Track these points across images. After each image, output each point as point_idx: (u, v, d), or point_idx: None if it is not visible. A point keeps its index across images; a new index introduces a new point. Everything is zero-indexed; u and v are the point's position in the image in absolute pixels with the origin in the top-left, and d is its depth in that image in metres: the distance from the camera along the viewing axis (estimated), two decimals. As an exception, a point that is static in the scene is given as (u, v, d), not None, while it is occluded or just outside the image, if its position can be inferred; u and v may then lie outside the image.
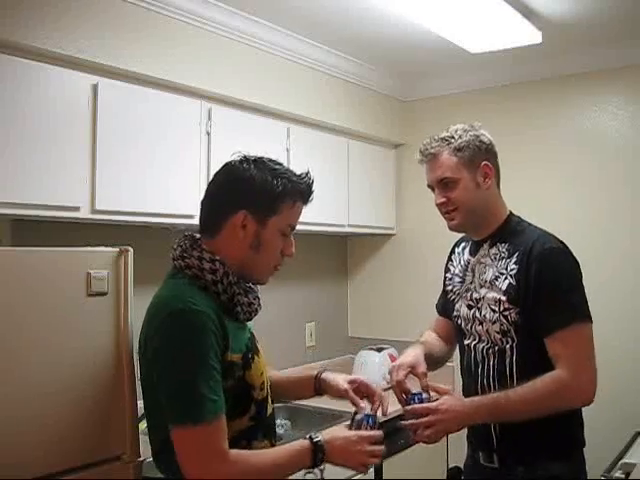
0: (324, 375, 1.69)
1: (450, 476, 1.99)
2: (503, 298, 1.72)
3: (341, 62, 3.31)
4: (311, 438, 1.43)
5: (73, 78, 2.16)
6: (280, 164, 1.51)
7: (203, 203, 1.51)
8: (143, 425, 2.43)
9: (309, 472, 1.48)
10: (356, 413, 1.58)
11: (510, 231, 1.80)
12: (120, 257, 1.87)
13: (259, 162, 1.48)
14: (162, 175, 2.42)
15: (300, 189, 1.48)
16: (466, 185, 1.78)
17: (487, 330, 1.77)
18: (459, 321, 1.89)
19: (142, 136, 2.35)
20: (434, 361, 1.92)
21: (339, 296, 3.96)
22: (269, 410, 1.53)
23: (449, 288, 1.96)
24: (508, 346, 1.72)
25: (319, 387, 1.69)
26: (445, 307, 2.01)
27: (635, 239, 3.11)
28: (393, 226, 3.85)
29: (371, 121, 3.59)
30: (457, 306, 1.90)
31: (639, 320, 3.09)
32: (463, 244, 1.96)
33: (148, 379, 1.42)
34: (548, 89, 3.34)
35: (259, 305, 1.54)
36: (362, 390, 1.65)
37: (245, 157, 1.49)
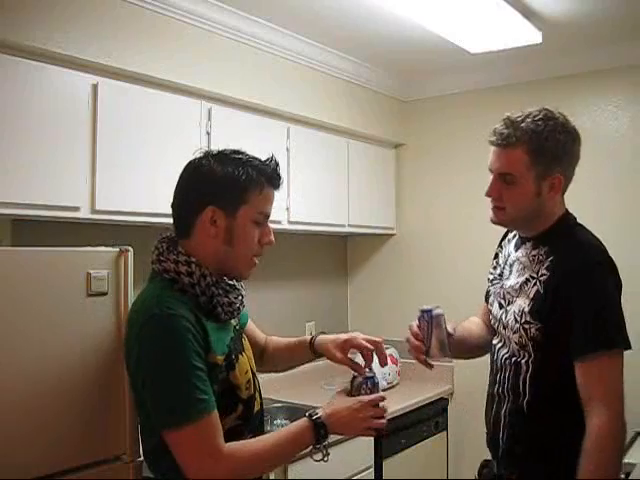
0: (317, 342, 1.69)
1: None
2: (527, 309, 1.60)
3: (341, 62, 3.31)
4: (310, 416, 1.42)
5: (73, 78, 2.16)
6: (242, 153, 1.47)
7: (172, 206, 1.50)
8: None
9: (316, 449, 1.45)
10: (354, 377, 1.56)
11: (556, 234, 1.64)
12: (120, 257, 1.87)
13: (220, 155, 1.45)
14: (162, 175, 2.42)
15: (266, 174, 1.45)
16: (526, 190, 1.60)
17: (508, 337, 1.67)
18: (491, 316, 1.79)
19: (142, 136, 2.35)
20: (472, 346, 1.85)
21: (339, 296, 3.96)
22: (256, 407, 1.52)
23: (489, 277, 1.83)
24: (524, 361, 1.62)
25: (316, 352, 1.71)
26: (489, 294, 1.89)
27: (635, 239, 3.11)
28: (393, 226, 3.85)
29: (371, 121, 3.59)
30: (491, 299, 1.78)
31: (636, 321, 3.08)
32: (514, 233, 1.79)
33: (134, 384, 1.43)
34: (548, 89, 3.34)
35: (242, 304, 1.52)
36: (357, 350, 1.64)
37: (206, 152, 1.47)
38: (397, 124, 3.81)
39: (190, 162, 1.48)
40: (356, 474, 2.80)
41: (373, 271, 3.94)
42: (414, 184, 3.82)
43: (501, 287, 1.73)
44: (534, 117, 1.60)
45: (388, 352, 3.51)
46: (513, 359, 1.65)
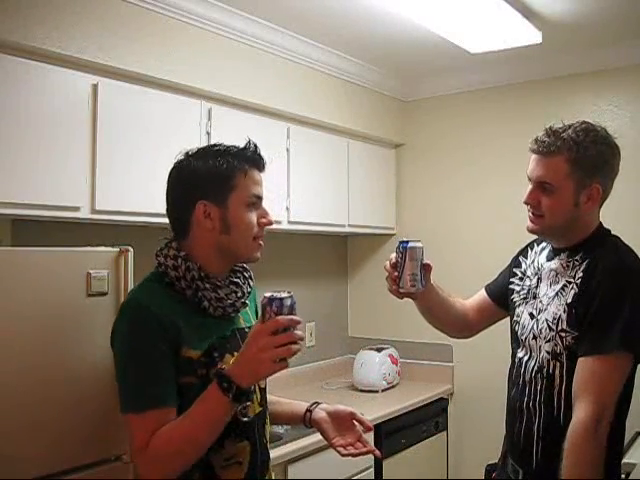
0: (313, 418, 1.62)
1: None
2: (564, 316, 1.60)
3: (341, 62, 3.31)
4: (217, 371, 1.34)
5: (73, 78, 2.16)
6: (220, 144, 1.49)
7: (166, 211, 1.52)
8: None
9: (243, 412, 1.35)
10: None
11: (591, 243, 1.65)
12: (120, 257, 1.88)
13: (198, 152, 1.49)
14: (162, 175, 2.40)
15: (246, 158, 1.47)
16: (564, 199, 1.61)
17: (539, 347, 1.65)
18: (517, 327, 1.76)
19: (142, 136, 2.35)
20: (446, 314, 1.88)
21: (339, 296, 3.96)
22: (249, 412, 1.44)
23: (515, 288, 1.81)
24: (557, 372, 1.60)
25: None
26: (499, 294, 1.89)
27: (637, 239, 3.10)
28: (393, 226, 3.85)
29: (371, 121, 3.59)
30: (518, 310, 1.77)
31: None
32: (543, 244, 1.80)
33: None
34: (548, 89, 3.35)
35: (237, 300, 1.48)
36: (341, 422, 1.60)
37: (185, 152, 1.51)
38: (397, 124, 3.81)
39: (173, 166, 1.52)
40: (356, 474, 2.80)
41: (373, 271, 3.93)
42: (414, 184, 3.82)
43: (534, 297, 1.73)
44: (575, 128, 1.62)
45: (388, 351, 3.52)
46: (544, 371, 1.64)
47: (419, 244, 1.70)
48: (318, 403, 1.65)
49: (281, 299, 1.27)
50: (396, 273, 1.70)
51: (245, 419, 1.39)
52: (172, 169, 1.52)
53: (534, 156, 1.66)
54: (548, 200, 1.63)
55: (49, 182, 2.07)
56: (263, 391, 1.56)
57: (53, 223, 2.27)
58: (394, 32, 2.94)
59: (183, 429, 1.32)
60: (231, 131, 2.69)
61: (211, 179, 1.44)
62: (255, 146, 1.48)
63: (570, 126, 1.63)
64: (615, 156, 1.66)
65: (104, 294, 1.83)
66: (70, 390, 1.73)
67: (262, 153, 1.50)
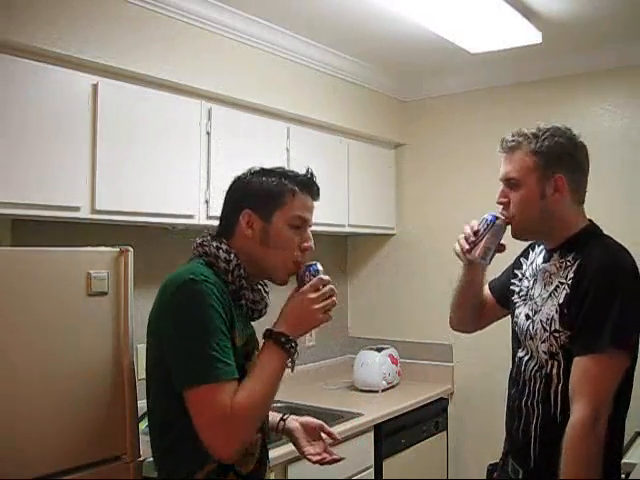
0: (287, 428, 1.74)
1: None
2: (556, 317, 1.61)
3: (341, 62, 3.31)
4: (270, 335, 1.44)
5: (73, 78, 2.16)
6: (282, 168, 1.60)
7: (221, 214, 1.59)
8: (143, 425, 2.43)
9: (292, 365, 1.47)
10: (297, 273, 1.55)
11: (583, 242, 1.66)
12: (120, 257, 1.88)
13: (260, 170, 1.58)
14: (162, 175, 2.42)
15: (299, 181, 1.55)
16: (530, 192, 1.66)
17: (536, 347, 1.67)
18: (517, 328, 1.78)
19: (142, 136, 2.35)
20: (480, 281, 1.89)
21: (339, 296, 3.88)
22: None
23: (515, 289, 1.84)
24: (555, 371, 1.62)
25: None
26: (501, 292, 1.92)
27: (635, 240, 3.10)
28: (393, 226, 3.85)
29: (371, 121, 3.59)
30: (517, 311, 1.79)
31: None
32: (541, 247, 1.82)
33: (154, 360, 1.45)
34: (548, 89, 3.34)
35: (265, 308, 1.57)
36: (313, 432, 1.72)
37: (249, 168, 1.59)
38: (397, 124, 3.80)
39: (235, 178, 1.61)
40: (356, 474, 2.80)
41: (373, 271, 3.94)
42: (414, 184, 3.81)
43: (530, 298, 1.75)
44: (538, 126, 1.69)
45: (388, 351, 3.51)
46: (543, 370, 1.65)
47: (504, 225, 1.72)
48: (288, 414, 1.77)
49: (315, 264, 1.55)
50: (473, 238, 1.74)
51: (292, 373, 1.47)
52: (234, 180, 1.60)
53: (502, 157, 1.73)
54: (515, 195, 1.68)
55: (49, 182, 2.07)
56: None
57: (53, 223, 2.27)
58: (394, 32, 2.94)
59: (257, 388, 1.37)
60: (231, 131, 2.70)
61: (261, 192, 1.52)
62: (312, 174, 1.57)
63: (535, 126, 1.70)
64: (577, 150, 1.69)
65: (104, 294, 1.83)
66: (70, 390, 1.73)
67: (318, 184, 1.58)
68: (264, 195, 1.52)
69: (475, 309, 1.96)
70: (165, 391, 1.41)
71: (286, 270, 1.54)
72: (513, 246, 1.93)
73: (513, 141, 1.69)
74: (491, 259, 1.76)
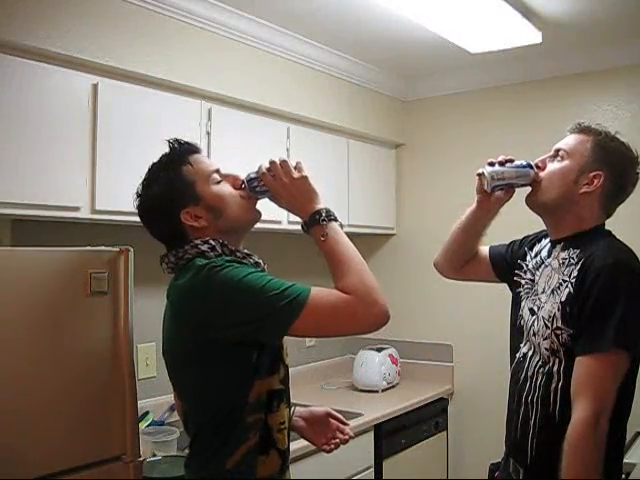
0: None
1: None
2: (558, 314, 1.61)
3: (341, 62, 3.31)
4: (304, 224, 1.56)
5: (73, 78, 2.16)
6: (153, 164, 1.55)
7: (158, 238, 1.54)
8: (143, 425, 2.44)
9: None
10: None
11: (589, 239, 1.66)
12: (120, 257, 1.88)
13: (145, 182, 1.56)
14: (162, 175, 2.42)
15: (178, 153, 1.52)
16: (566, 169, 1.68)
17: (539, 343, 1.67)
18: (521, 321, 1.77)
19: (142, 136, 2.35)
20: (484, 226, 1.90)
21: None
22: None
23: (520, 281, 1.83)
24: (555, 369, 1.62)
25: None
26: (497, 259, 1.95)
27: (635, 240, 3.10)
28: (393, 226, 3.85)
29: (371, 121, 3.59)
30: (522, 304, 1.78)
31: None
32: (547, 240, 1.81)
33: (184, 358, 1.43)
34: (548, 89, 3.34)
35: (263, 265, 1.57)
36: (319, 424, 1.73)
37: (136, 194, 1.58)
38: (397, 124, 3.81)
39: (136, 205, 1.58)
40: (356, 474, 2.80)
41: (373, 271, 3.90)
42: (414, 184, 3.82)
43: (534, 293, 1.74)
44: (616, 131, 1.75)
45: (388, 351, 3.51)
46: (546, 367, 1.65)
47: (531, 176, 1.73)
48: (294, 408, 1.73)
49: (249, 173, 1.53)
50: (502, 159, 1.77)
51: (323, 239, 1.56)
52: (137, 207, 1.56)
53: (568, 134, 1.75)
54: (554, 165, 1.71)
55: (49, 182, 2.07)
56: (287, 368, 1.56)
57: (53, 223, 2.27)
58: (394, 32, 2.94)
59: (351, 251, 1.61)
60: (231, 131, 2.70)
61: (173, 191, 1.48)
62: (176, 140, 1.53)
63: (615, 130, 1.75)
64: (633, 166, 1.71)
65: (104, 294, 1.83)
66: (70, 390, 1.73)
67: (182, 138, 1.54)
68: (176, 190, 1.47)
69: (466, 255, 1.99)
70: (200, 392, 1.42)
71: (247, 208, 1.53)
72: (521, 230, 1.93)
73: (586, 127, 1.72)
74: (504, 194, 1.76)
